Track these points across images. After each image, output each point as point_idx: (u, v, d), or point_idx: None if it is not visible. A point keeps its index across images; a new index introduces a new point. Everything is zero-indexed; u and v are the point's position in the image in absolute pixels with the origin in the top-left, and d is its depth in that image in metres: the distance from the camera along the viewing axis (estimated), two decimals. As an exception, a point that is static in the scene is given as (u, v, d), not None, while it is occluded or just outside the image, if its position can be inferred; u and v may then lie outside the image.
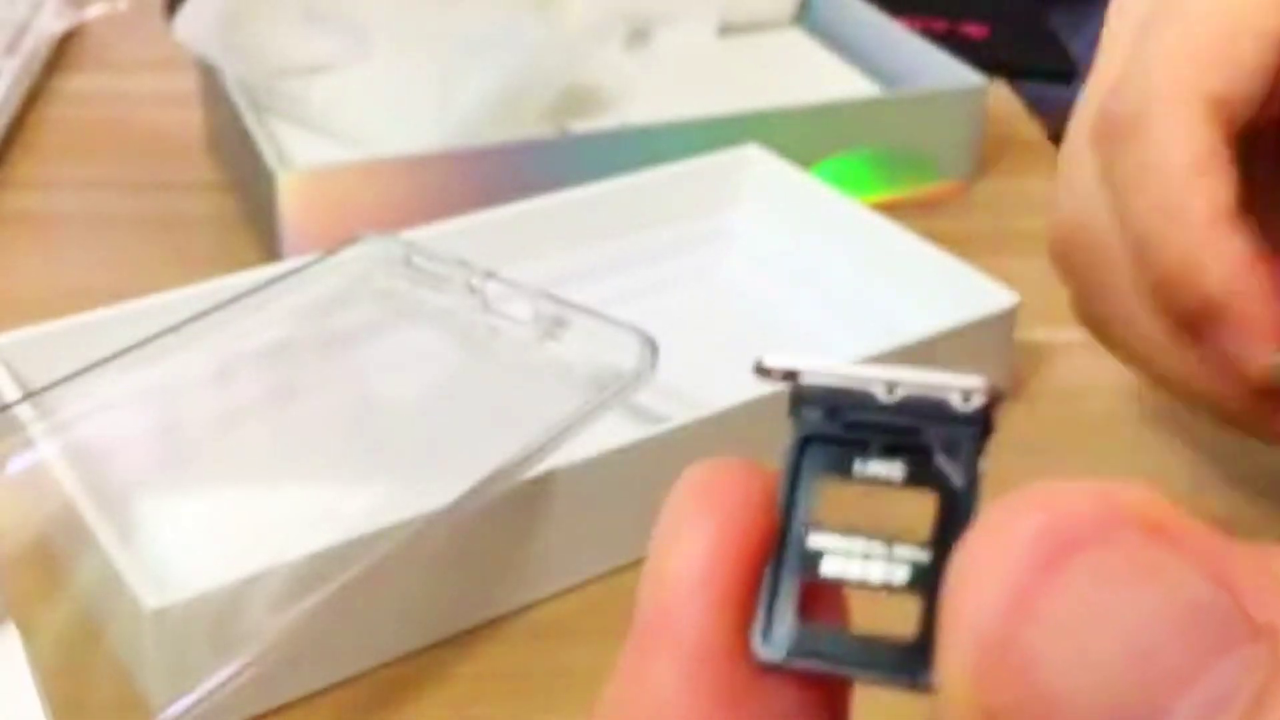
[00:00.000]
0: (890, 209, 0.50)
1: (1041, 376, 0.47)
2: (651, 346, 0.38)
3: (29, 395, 0.36)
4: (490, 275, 0.41)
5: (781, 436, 0.44)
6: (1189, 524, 0.11)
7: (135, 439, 0.38)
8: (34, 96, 0.63)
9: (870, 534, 0.12)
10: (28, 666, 0.30)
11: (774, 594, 0.12)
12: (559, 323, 0.40)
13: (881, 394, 0.12)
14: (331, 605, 0.32)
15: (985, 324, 0.43)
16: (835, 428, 0.12)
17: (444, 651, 0.36)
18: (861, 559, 0.12)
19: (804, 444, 0.12)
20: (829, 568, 0.12)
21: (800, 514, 0.12)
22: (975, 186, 0.58)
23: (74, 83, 0.65)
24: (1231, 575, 0.10)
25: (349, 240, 0.42)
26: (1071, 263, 0.34)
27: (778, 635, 0.12)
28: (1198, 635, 0.10)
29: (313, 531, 0.34)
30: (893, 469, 0.12)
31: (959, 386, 0.12)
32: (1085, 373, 0.47)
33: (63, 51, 0.67)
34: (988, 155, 0.59)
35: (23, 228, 0.55)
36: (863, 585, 0.12)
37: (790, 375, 0.12)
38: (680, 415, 0.38)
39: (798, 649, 0.12)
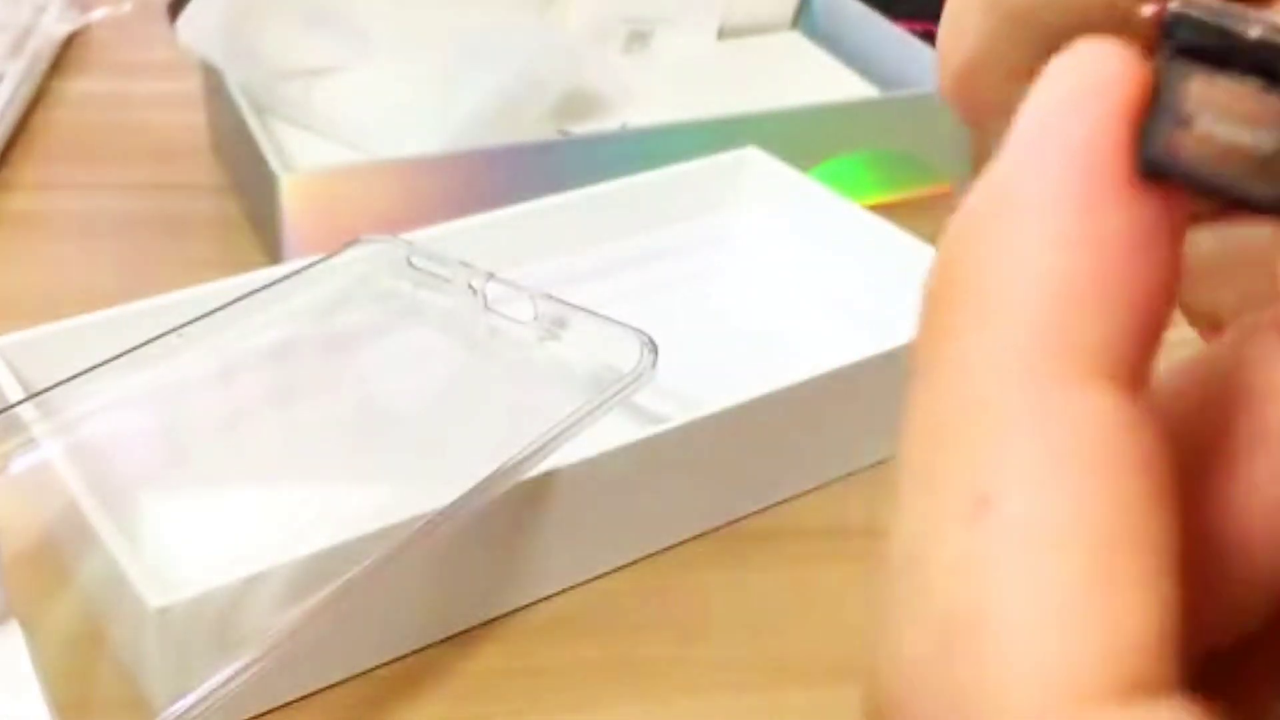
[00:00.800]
0: (888, 211, 0.50)
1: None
2: (651, 346, 0.38)
3: (33, 395, 0.37)
4: (491, 276, 0.41)
5: (782, 437, 0.44)
6: None
7: (138, 439, 0.38)
8: (38, 99, 0.63)
9: (1240, 117, 0.13)
10: (31, 665, 0.30)
11: (1153, 124, 0.13)
12: (559, 323, 0.40)
13: (1243, 30, 0.13)
14: (333, 604, 0.32)
15: (983, 325, 0.43)
16: (1210, 41, 0.13)
17: (444, 650, 0.37)
18: (1231, 129, 0.13)
19: (1174, 59, 0.13)
20: (1200, 125, 0.13)
21: (1174, 95, 0.13)
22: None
23: (78, 85, 0.66)
24: None
25: (350, 242, 0.42)
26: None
27: (1159, 146, 0.13)
28: None
29: (314, 531, 0.34)
30: (1255, 83, 0.13)
31: None
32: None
33: (67, 54, 0.67)
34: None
35: (27, 229, 0.55)
36: (1235, 143, 0.13)
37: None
38: (680, 415, 0.39)
39: (1177, 162, 0.13)
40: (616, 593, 0.39)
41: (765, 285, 0.50)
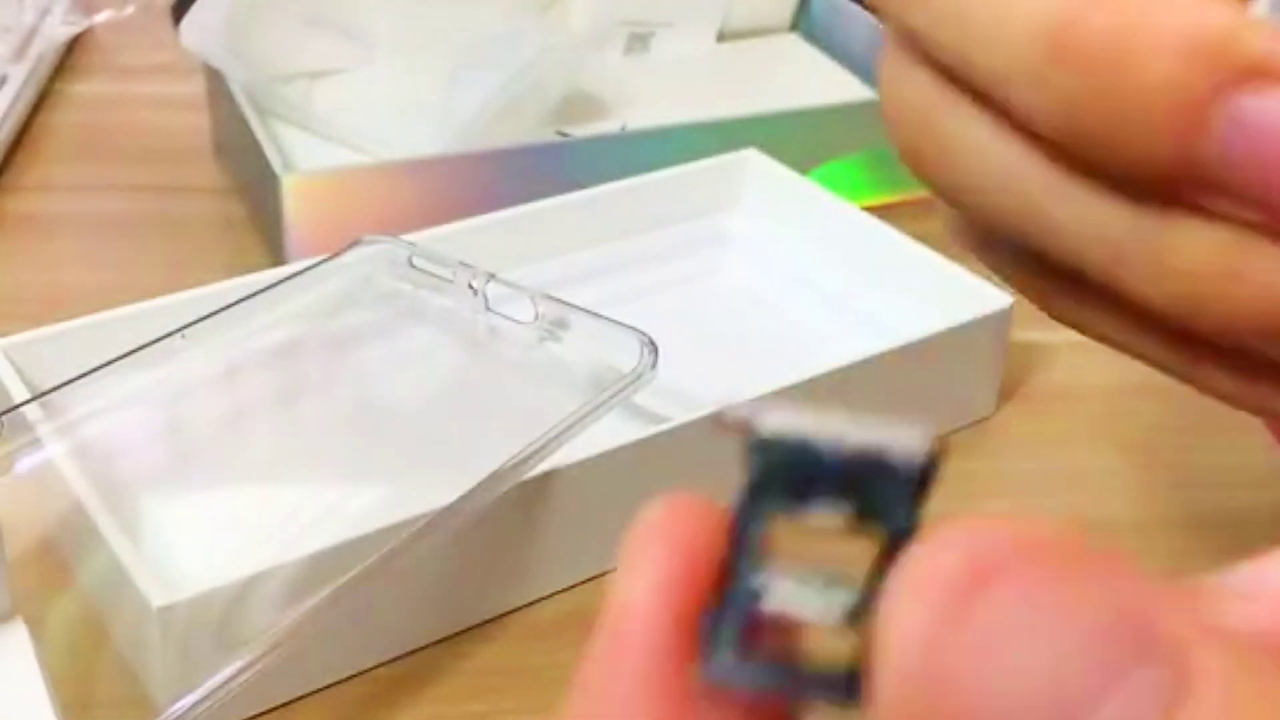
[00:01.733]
0: (887, 212, 0.50)
1: (1035, 377, 0.47)
2: (651, 347, 0.38)
3: (37, 396, 0.37)
4: (492, 277, 0.41)
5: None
6: (1106, 555, 0.11)
7: (142, 439, 0.38)
8: (41, 101, 0.64)
9: (813, 572, 0.13)
10: (35, 663, 0.30)
11: (718, 624, 0.13)
12: (559, 324, 0.40)
13: (830, 447, 0.13)
14: (334, 603, 0.32)
15: (980, 325, 0.44)
16: (786, 474, 0.13)
17: (445, 649, 0.37)
18: (801, 596, 0.13)
19: (755, 488, 0.13)
20: (771, 602, 0.13)
21: (749, 550, 0.13)
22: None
23: (81, 87, 0.66)
24: (1143, 601, 0.11)
25: (352, 242, 0.43)
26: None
27: (720, 661, 0.13)
28: (1106, 654, 0.11)
29: (316, 530, 0.35)
30: (840, 511, 0.13)
31: (903, 441, 0.13)
32: (1079, 373, 0.47)
33: (70, 57, 0.68)
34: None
35: (31, 231, 0.55)
36: (800, 620, 0.13)
37: (745, 427, 0.13)
38: (680, 415, 0.39)
39: (737, 674, 0.13)
40: (616, 592, 0.39)
41: (765, 285, 0.50)
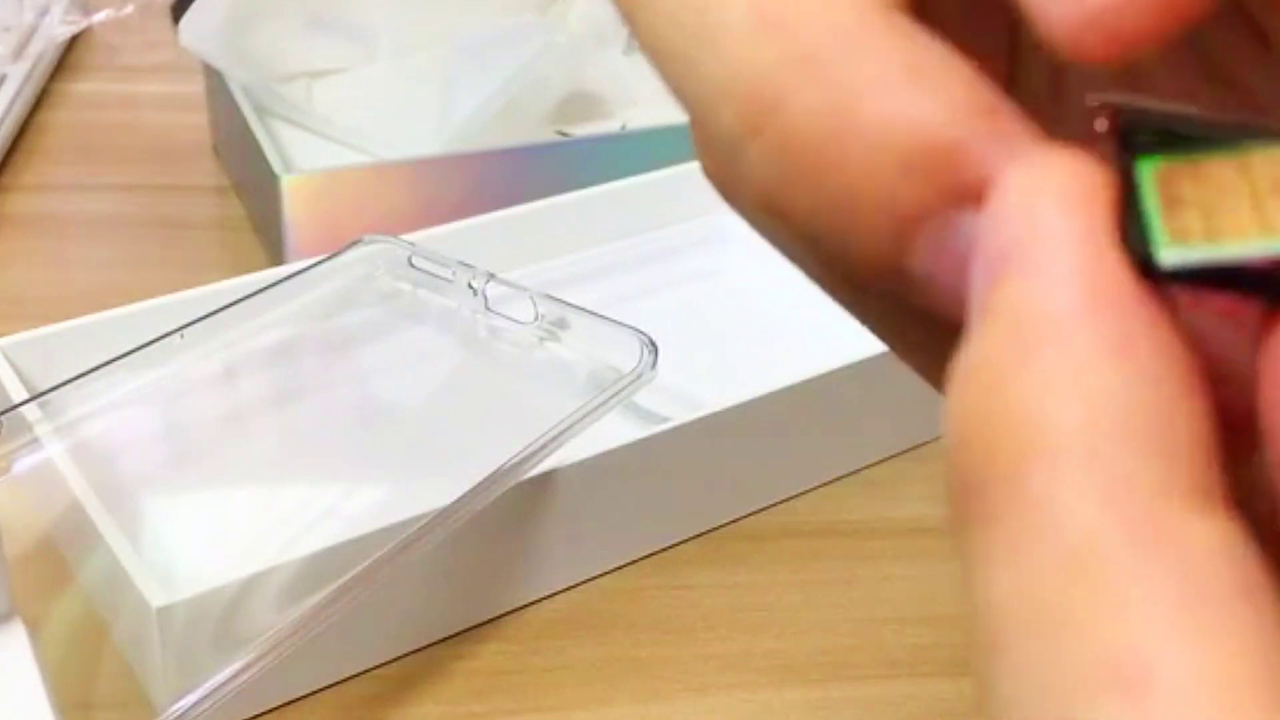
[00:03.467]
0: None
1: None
2: (651, 346, 0.38)
3: (36, 396, 0.37)
4: (491, 277, 0.41)
5: (781, 437, 0.44)
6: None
7: (141, 439, 0.38)
8: (41, 100, 0.64)
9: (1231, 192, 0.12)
10: (35, 663, 0.30)
11: (1146, 224, 0.12)
12: (559, 324, 0.40)
13: (1195, 122, 0.13)
14: (334, 603, 0.32)
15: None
16: (1164, 140, 0.13)
17: (445, 650, 0.37)
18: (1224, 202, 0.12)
19: (1137, 154, 0.13)
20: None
21: (1147, 189, 0.13)
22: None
23: (80, 87, 0.66)
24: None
25: (352, 242, 0.43)
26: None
27: (1168, 249, 0.12)
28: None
29: (316, 530, 0.35)
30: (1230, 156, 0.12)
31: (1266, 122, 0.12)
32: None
33: (69, 56, 0.68)
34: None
35: (30, 230, 0.55)
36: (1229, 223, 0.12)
37: (1113, 109, 0.13)
38: (680, 415, 0.39)
39: (1192, 260, 0.12)
40: (616, 593, 0.39)
41: (765, 285, 0.50)
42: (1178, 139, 0.13)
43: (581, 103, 0.58)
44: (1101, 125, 0.13)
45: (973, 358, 0.12)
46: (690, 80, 0.15)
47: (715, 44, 0.14)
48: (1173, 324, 0.12)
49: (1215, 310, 0.12)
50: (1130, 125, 0.13)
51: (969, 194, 0.13)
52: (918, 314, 0.15)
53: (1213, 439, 0.12)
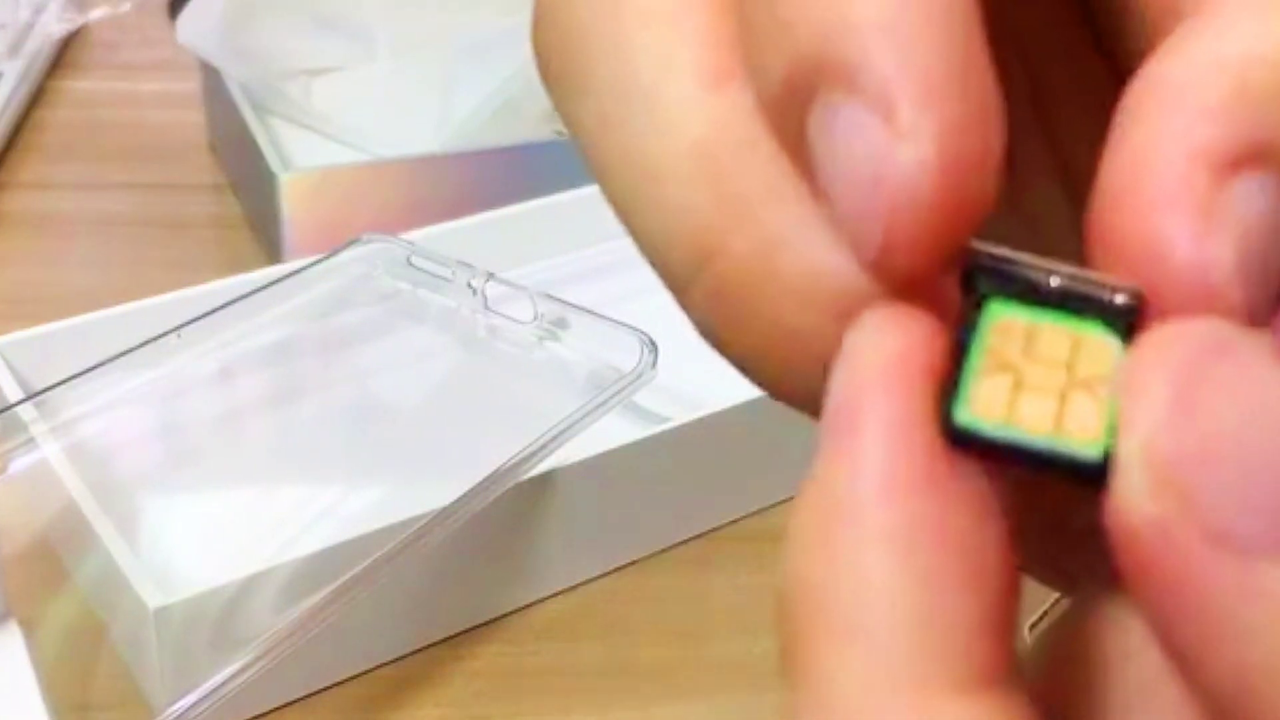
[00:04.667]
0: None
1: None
2: (651, 346, 0.38)
3: (32, 396, 0.37)
4: (491, 276, 0.41)
5: (781, 436, 0.44)
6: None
7: (138, 439, 0.38)
8: (37, 98, 0.63)
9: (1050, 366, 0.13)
10: (30, 665, 0.30)
11: (957, 387, 0.13)
12: (559, 323, 0.40)
13: (1044, 279, 0.13)
14: (332, 604, 0.32)
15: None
16: (1010, 291, 0.13)
17: (444, 650, 0.37)
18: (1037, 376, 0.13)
19: (981, 301, 0.13)
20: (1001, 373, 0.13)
21: (978, 343, 0.13)
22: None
23: (77, 84, 0.66)
24: None
25: (350, 241, 0.43)
26: None
27: (961, 416, 0.13)
28: None
29: (314, 531, 0.34)
30: (1066, 323, 0.13)
31: (1110, 284, 0.13)
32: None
33: (66, 53, 0.67)
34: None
35: (26, 228, 0.55)
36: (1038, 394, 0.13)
37: (968, 253, 0.13)
38: (680, 415, 0.39)
39: (982, 432, 0.13)
40: (616, 593, 0.39)
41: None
42: (1031, 288, 0.13)
43: (580, 101, 0.58)
44: (957, 269, 0.13)
45: (794, 518, 0.13)
46: (637, 222, 0.15)
47: (659, 185, 0.14)
48: (971, 491, 0.13)
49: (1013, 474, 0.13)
50: (985, 270, 0.13)
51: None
52: None
53: (991, 616, 0.12)
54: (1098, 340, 0.13)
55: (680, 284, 0.15)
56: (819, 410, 0.14)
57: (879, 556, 0.12)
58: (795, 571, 0.13)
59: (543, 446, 0.35)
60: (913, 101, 0.12)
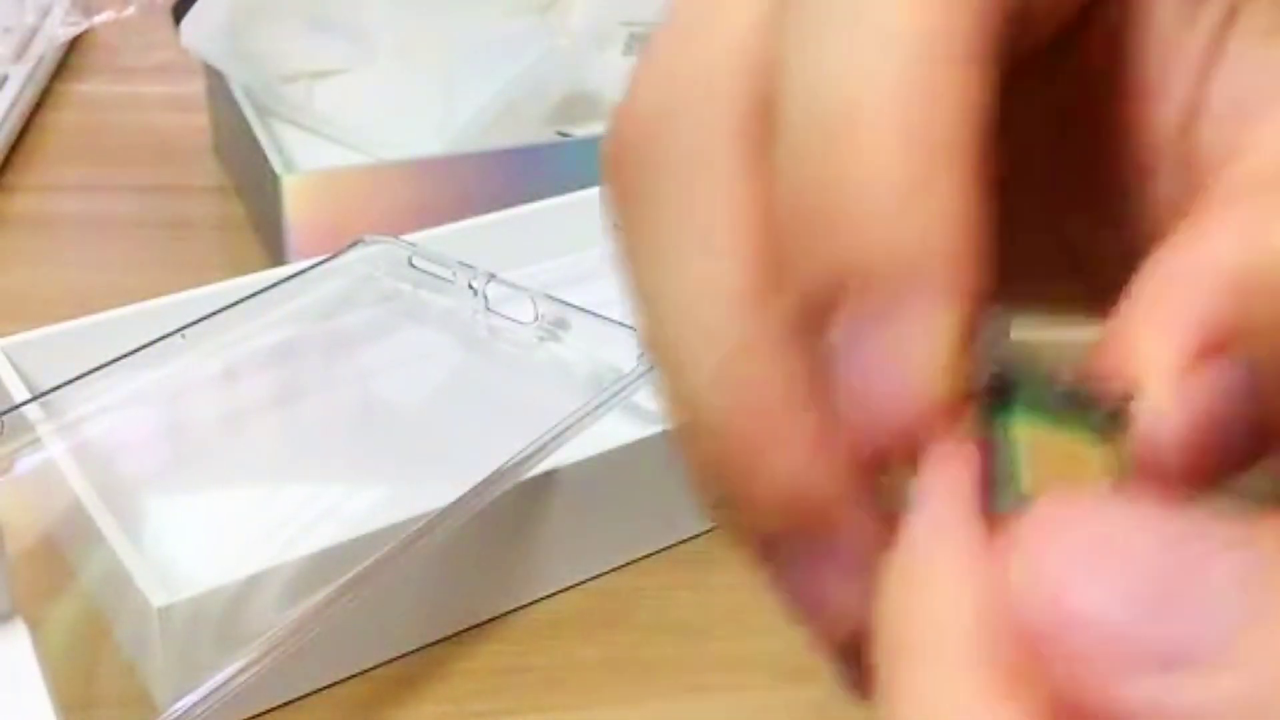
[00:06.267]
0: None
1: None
2: (651, 348, 0.38)
3: (38, 396, 0.37)
4: (492, 277, 0.41)
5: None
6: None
7: (142, 439, 0.38)
8: (42, 101, 0.64)
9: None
10: (36, 663, 0.30)
11: (996, 484, 0.14)
12: (560, 324, 0.40)
13: (1051, 377, 0.15)
14: (335, 603, 0.32)
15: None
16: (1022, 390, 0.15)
17: (445, 649, 0.37)
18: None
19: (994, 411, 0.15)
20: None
21: (1007, 456, 0.15)
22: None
23: (82, 87, 0.66)
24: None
25: (352, 243, 0.43)
26: None
27: (1005, 496, 0.14)
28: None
29: (316, 530, 0.35)
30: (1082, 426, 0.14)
31: (1101, 396, 0.14)
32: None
33: (71, 57, 0.68)
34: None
35: (31, 230, 0.55)
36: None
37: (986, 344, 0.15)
38: (679, 416, 0.39)
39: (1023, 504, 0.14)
40: (616, 593, 0.39)
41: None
42: (1052, 399, 0.15)
43: (582, 103, 0.58)
44: (979, 385, 0.15)
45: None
46: (671, 408, 0.18)
47: (688, 381, 0.17)
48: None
49: None
50: (1008, 384, 0.15)
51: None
52: None
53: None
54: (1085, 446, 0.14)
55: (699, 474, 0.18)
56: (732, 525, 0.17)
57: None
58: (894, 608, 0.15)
59: (543, 446, 0.36)
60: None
